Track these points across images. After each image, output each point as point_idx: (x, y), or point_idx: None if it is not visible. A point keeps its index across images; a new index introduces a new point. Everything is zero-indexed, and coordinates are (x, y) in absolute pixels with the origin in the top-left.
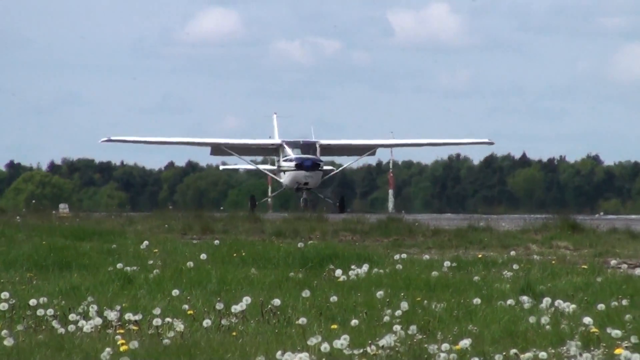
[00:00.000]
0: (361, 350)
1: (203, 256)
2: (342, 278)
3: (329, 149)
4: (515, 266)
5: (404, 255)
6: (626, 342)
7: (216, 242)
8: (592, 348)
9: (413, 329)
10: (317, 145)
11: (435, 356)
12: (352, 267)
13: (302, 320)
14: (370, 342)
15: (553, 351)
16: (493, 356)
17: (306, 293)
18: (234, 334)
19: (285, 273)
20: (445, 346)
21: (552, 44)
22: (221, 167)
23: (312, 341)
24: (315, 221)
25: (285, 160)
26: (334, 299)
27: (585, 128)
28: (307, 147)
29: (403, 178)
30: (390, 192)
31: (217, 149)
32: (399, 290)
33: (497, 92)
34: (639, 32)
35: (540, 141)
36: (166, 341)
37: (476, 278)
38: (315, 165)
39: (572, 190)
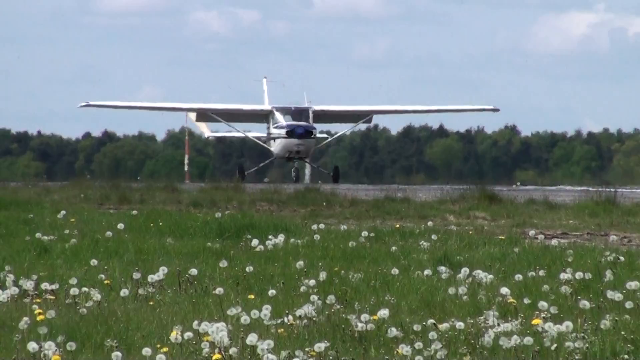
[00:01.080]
0: (279, 321)
1: (120, 226)
2: (259, 248)
3: (322, 115)
4: (433, 236)
5: (321, 226)
6: (544, 312)
7: (134, 212)
8: (509, 318)
9: (331, 298)
10: (310, 112)
11: (354, 326)
12: (269, 237)
13: (219, 290)
14: (287, 312)
15: (471, 321)
16: (411, 326)
17: (223, 263)
18: (151, 303)
19: (202, 243)
20: (365, 316)
21: (471, 15)
22: (210, 136)
23: (232, 311)
24: (233, 191)
25: (275, 128)
26: (250, 269)
27: (503, 99)
28: (299, 113)
29: (320, 148)
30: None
31: (203, 115)
32: (316, 260)
33: (415, 62)
34: (557, 3)
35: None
36: (83, 310)
37: (394, 248)
38: (307, 133)
39: (489, 161)
